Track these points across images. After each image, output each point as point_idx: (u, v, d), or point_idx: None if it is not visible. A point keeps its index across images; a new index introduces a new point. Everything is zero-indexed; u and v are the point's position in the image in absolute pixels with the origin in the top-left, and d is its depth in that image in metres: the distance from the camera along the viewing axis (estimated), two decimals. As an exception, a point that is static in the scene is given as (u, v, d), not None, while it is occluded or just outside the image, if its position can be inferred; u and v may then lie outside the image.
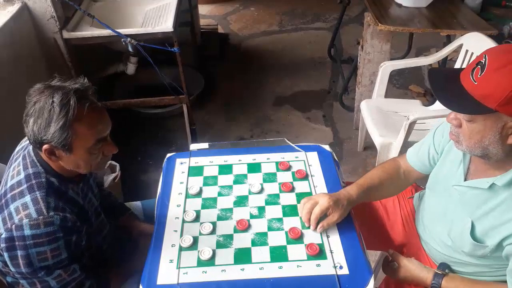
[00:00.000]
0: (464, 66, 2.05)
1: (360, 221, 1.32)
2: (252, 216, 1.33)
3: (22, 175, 1.11)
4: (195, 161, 1.55)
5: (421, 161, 1.36)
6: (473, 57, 2.03)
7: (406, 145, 1.97)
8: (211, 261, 1.19)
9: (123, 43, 2.12)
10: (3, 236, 1.06)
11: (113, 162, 2.18)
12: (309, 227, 1.25)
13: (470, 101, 0.96)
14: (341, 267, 1.16)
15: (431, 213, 1.31)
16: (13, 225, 1.04)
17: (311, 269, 1.16)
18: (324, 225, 1.23)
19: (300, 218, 1.29)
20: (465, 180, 1.16)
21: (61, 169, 1.15)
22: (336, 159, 1.55)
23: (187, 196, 1.40)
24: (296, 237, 1.23)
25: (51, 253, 1.07)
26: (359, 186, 1.31)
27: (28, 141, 1.16)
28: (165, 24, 2.25)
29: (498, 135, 0.98)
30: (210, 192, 1.42)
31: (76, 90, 1.06)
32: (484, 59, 0.96)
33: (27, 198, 1.07)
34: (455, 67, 2.11)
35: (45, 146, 1.07)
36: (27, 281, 1.11)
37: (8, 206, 1.08)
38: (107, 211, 1.44)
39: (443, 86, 1.03)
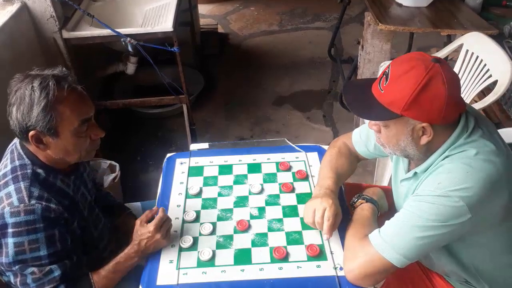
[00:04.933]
0: (464, 66, 2.06)
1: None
2: (252, 217, 1.32)
3: (8, 168, 1.13)
4: (195, 161, 1.55)
5: (369, 149, 1.39)
6: (474, 57, 2.02)
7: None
8: (211, 262, 1.18)
9: (123, 43, 2.12)
10: None
11: (113, 162, 2.18)
12: (310, 228, 1.26)
13: (380, 109, 1.04)
14: (341, 268, 1.15)
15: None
16: None
17: (311, 270, 1.16)
18: (335, 228, 1.22)
19: (301, 218, 1.30)
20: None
21: (50, 159, 1.15)
22: (336, 159, 1.55)
23: (187, 196, 1.40)
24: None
25: (29, 245, 1.06)
26: (333, 179, 1.31)
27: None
28: (165, 24, 2.25)
29: (410, 137, 1.06)
30: (210, 192, 1.42)
31: (54, 75, 1.10)
32: (388, 69, 1.04)
33: (11, 188, 1.08)
34: (455, 67, 2.11)
35: (31, 133, 1.08)
36: (11, 272, 1.10)
37: None
38: (105, 211, 1.44)
39: (356, 97, 1.12)
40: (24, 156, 1.14)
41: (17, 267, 1.08)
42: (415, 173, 1.15)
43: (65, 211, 1.13)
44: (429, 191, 1.03)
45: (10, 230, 1.05)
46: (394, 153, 1.14)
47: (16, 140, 1.19)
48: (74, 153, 1.16)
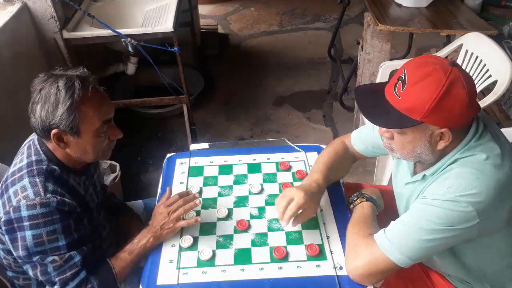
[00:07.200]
0: (464, 66, 2.06)
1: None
2: (252, 217, 1.33)
3: (24, 162, 1.14)
4: (195, 161, 1.55)
5: (367, 147, 1.38)
6: (473, 57, 2.03)
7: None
8: (211, 262, 1.19)
9: (123, 43, 2.12)
10: (2, 219, 1.08)
11: (113, 162, 2.19)
12: (310, 228, 1.25)
13: (397, 115, 1.01)
14: (341, 268, 1.16)
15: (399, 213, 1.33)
16: (11, 208, 1.07)
17: (311, 269, 1.16)
18: (299, 220, 1.23)
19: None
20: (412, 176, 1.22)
21: (66, 158, 1.17)
22: (336, 159, 1.55)
23: (187, 196, 1.40)
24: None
25: (47, 236, 1.08)
26: (323, 174, 1.31)
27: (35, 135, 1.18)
28: (165, 24, 2.25)
29: (428, 143, 1.03)
30: (210, 192, 1.42)
31: (78, 75, 1.11)
32: (403, 74, 1.00)
33: (26, 181, 1.09)
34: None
35: (53, 131, 1.10)
36: (30, 265, 1.12)
37: (7, 190, 1.11)
38: (109, 211, 1.45)
39: (370, 103, 1.08)
40: (41, 152, 1.16)
41: (37, 257, 1.09)
42: (424, 175, 1.13)
43: (77, 206, 1.15)
44: (438, 195, 1.01)
45: (26, 223, 1.06)
46: (406, 158, 1.12)
47: (33, 137, 1.21)
48: (92, 152, 1.18)
